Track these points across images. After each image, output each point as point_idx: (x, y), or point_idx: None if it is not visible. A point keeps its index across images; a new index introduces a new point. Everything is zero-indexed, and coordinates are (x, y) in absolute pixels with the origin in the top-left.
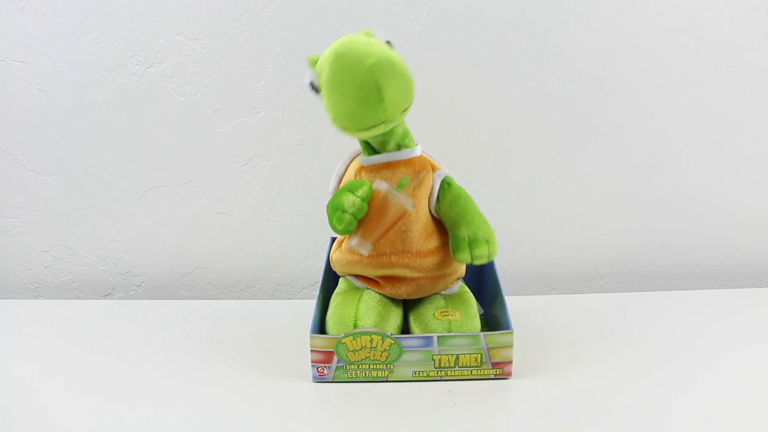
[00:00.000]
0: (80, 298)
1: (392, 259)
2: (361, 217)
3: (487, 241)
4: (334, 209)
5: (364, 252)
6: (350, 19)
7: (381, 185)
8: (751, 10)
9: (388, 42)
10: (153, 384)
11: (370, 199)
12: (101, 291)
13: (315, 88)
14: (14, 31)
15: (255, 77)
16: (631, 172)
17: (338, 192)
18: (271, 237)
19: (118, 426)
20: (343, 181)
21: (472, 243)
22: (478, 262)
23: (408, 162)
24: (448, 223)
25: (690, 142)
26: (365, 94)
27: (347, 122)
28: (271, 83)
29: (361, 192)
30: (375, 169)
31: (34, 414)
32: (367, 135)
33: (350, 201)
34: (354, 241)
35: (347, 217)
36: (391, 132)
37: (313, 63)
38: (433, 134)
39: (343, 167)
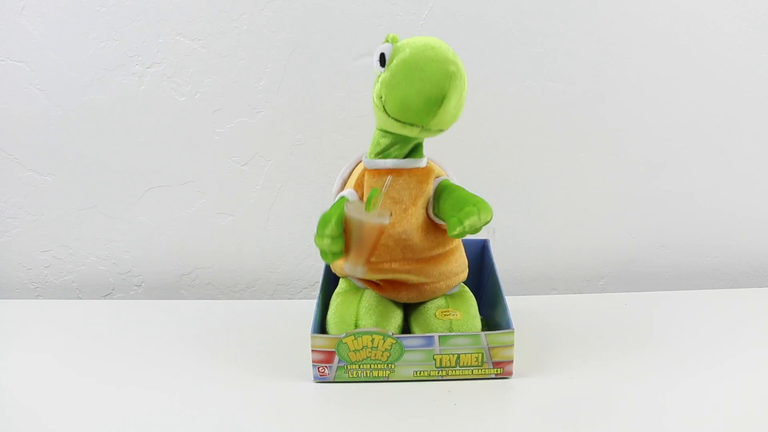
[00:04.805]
0: (80, 298)
1: (393, 266)
2: (345, 244)
3: (475, 205)
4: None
5: (360, 275)
6: (350, 19)
7: (352, 212)
8: (751, 10)
9: None
10: (153, 384)
11: (346, 225)
12: (101, 291)
13: (382, 61)
14: (14, 31)
15: (255, 77)
16: (631, 172)
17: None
18: (271, 237)
19: (118, 426)
20: (347, 183)
21: (462, 214)
22: (472, 231)
23: (411, 171)
24: (444, 216)
25: (690, 142)
26: (430, 93)
27: (393, 106)
28: (271, 83)
29: (328, 230)
30: (378, 174)
31: (33, 414)
32: (397, 128)
33: (322, 242)
34: (347, 268)
35: (328, 256)
36: (410, 140)
37: (394, 40)
38: None
39: (348, 170)
